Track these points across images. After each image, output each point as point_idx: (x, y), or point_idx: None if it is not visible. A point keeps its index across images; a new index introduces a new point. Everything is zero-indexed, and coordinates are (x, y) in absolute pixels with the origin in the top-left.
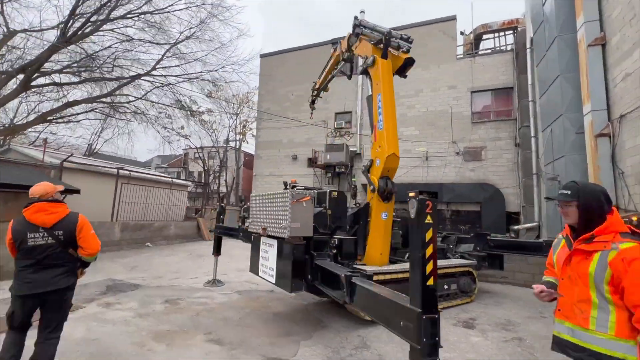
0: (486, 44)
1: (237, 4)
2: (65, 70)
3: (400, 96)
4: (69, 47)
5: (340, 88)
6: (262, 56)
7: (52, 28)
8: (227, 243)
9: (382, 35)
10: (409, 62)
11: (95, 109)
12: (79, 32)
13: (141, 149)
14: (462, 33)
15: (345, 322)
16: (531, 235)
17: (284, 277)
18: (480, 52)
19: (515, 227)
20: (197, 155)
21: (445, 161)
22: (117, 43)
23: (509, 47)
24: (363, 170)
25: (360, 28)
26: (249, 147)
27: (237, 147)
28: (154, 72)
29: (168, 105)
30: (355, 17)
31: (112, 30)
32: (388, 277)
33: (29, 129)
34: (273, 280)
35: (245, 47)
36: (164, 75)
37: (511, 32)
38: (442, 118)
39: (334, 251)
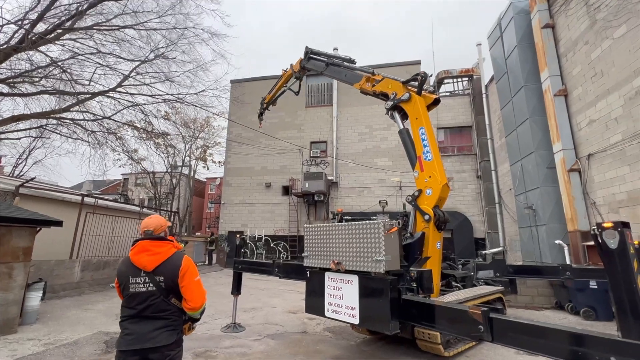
0: (447, 87)
1: (216, 27)
2: (9, 81)
3: (373, 129)
4: (18, 56)
5: (316, 118)
6: (233, 82)
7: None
8: (205, 280)
9: (327, 59)
10: (436, 102)
11: (47, 125)
12: (44, 37)
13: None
14: (430, 76)
15: None
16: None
17: (377, 317)
18: (441, 94)
19: (484, 251)
20: (139, 181)
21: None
22: (79, 55)
23: (466, 92)
24: (409, 201)
25: (308, 55)
26: (209, 173)
27: (192, 172)
28: (121, 90)
29: (125, 124)
30: (307, 47)
31: (75, 40)
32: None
33: None
34: (355, 320)
35: (229, 72)
36: (134, 94)
37: (467, 78)
38: None
39: (414, 284)
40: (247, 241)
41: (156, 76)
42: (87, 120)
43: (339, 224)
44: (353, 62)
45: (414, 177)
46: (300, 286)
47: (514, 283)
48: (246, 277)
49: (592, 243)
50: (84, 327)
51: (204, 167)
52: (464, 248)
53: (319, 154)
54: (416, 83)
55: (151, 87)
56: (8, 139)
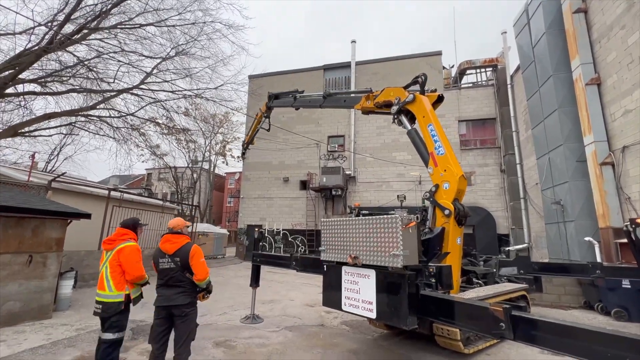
0: (469, 78)
1: (238, 21)
2: (41, 81)
3: (391, 122)
4: (48, 56)
5: (333, 112)
6: (251, 77)
7: (26, 31)
8: (225, 273)
9: (294, 94)
10: (440, 99)
11: (75, 122)
12: (71, 38)
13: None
14: (451, 66)
15: (438, 357)
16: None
17: (394, 311)
18: (464, 85)
19: (507, 248)
20: (162, 176)
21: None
22: (104, 54)
23: (490, 83)
24: (427, 197)
25: (272, 97)
26: (229, 168)
27: (212, 167)
28: (144, 87)
29: (147, 120)
30: (269, 92)
31: (101, 40)
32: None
33: None
34: (372, 315)
35: (247, 65)
36: (156, 91)
37: (491, 69)
38: None
39: (433, 280)
40: (266, 235)
41: (177, 72)
42: (113, 117)
43: (356, 218)
44: (301, 92)
45: (429, 174)
46: (318, 280)
47: (539, 281)
48: (265, 270)
49: (625, 240)
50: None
51: (223, 162)
52: (487, 244)
53: (336, 148)
54: (417, 86)
55: (172, 83)
56: (41, 136)
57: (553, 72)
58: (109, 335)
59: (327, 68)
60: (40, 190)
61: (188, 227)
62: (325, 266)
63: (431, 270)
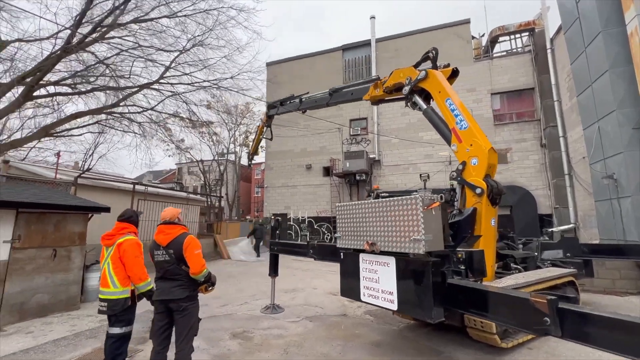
0: (502, 46)
1: (249, 4)
2: (64, 82)
3: (404, 105)
4: (69, 57)
5: None
6: (269, 64)
7: (50, 37)
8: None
9: (300, 97)
10: (454, 74)
11: (100, 120)
12: (87, 39)
13: (128, 166)
14: (482, 35)
15: (471, 350)
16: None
17: (417, 303)
18: (496, 55)
19: (550, 229)
20: (191, 169)
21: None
22: (123, 51)
23: (526, 49)
24: (454, 177)
25: (270, 107)
26: (255, 159)
27: (237, 159)
28: (162, 81)
29: (171, 115)
30: (267, 102)
31: (120, 37)
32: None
33: (27, 144)
34: (393, 306)
35: (261, 50)
36: (174, 84)
37: (527, 33)
38: None
39: (462, 267)
40: (292, 223)
41: (194, 64)
42: (133, 113)
43: (373, 200)
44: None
45: (453, 153)
46: None
47: (590, 265)
48: (289, 258)
49: None
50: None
51: (247, 153)
52: (526, 226)
53: (359, 132)
54: (429, 62)
55: (191, 76)
56: (72, 135)
57: (602, 28)
58: (116, 330)
59: (345, 48)
60: (67, 187)
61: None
62: (342, 254)
63: (460, 256)
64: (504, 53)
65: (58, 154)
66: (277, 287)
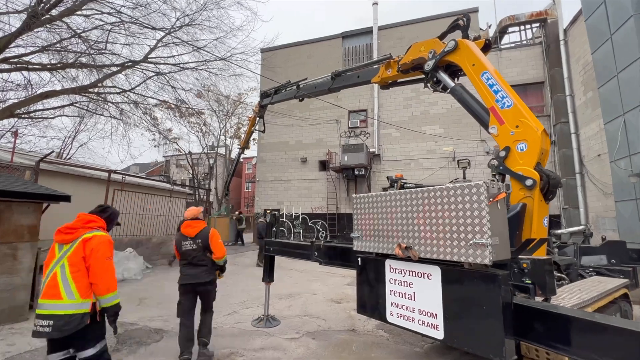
0: (511, 37)
1: None
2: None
3: (420, 92)
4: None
5: None
6: (263, 50)
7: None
8: (241, 261)
9: (297, 83)
10: (487, 46)
11: (76, 102)
12: (58, 5)
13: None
14: (489, 26)
15: None
16: (576, 241)
17: (479, 333)
18: (505, 46)
19: (558, 231)
20: (179, 162)
21: (475, 161)
22: (102, 25)
23: (536, 40)
24: (496, 165)
25: (264, 95)
26: (246, 153)
27: (228, 152)
28: (149, 61)
29: (160, 101)
30: (260, 90)
31: (100, 12)
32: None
33: None
34: (437, 334)
35: (257, 28)
36: (160, 64)
37: (538, 24)
38: (469, 115)
39: (528, 281)
40: (284, 219)
41: (182, 45)
42: (112, 94)
43: (408, 190)
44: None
45: (493, 137)
46: (344, 269)
47: (635, 273)
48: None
49: None
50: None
51: (238, 145)
52: None
53: (358, 124)
54: (454, 35)
55: (179, 58)
56: (44, 117)
57: (635, 12)
58: (88, 353)
59: (345, 36)
60: (26, 172)
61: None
62: (359, 259)
63: (525, 266)
64: (513, 45)
65: (15, 133)
66: (261, 292)
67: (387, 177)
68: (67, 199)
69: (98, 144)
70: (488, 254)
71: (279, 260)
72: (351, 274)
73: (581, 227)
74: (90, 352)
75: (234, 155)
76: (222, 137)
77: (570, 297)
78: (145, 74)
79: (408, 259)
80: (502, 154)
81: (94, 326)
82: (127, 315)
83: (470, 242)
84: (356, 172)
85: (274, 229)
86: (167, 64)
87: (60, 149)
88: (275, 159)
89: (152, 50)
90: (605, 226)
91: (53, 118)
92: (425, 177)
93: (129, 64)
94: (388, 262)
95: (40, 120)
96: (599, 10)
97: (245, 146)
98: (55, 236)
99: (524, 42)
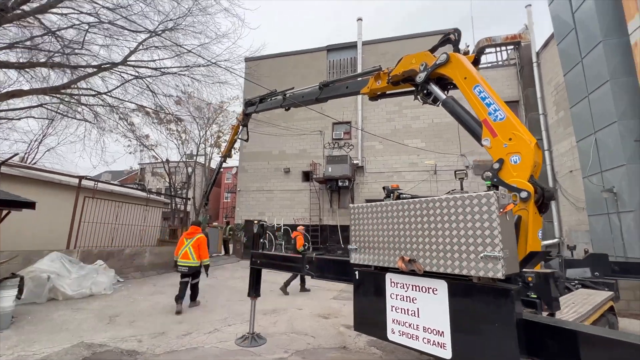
0: (488, 58)
1: None
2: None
3: (403, 107)
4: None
5: None
6: (248, 59)
7: None
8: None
9: (284, 93)
10: (476, 62)
11: (46, 104)
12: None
13: (85, 163)
14: (467, 46)
15: None
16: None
17: (491, 352)
18: (482, 66)
19: None
20: (155, 170)
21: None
22: (79, 25)
23: (511, 62)
24: (489, 177)
25: (248, 103)
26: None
27: (208, 161)
28: (128, 63)
29: (139, 106)
30: (244, 98)
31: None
32: None
33: None
34: (445, 354)
35: (243, 36)
36: (143, 67)
37: (513, 47)
38: (449, 130)
39: (534, 295)
40: (266, 231)
41: (165, 50)
42: (87, 95)
43: (412, 200)
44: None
45: (486, 149)
46: (329, 282)
47: (617, 286)
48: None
49: None
50: (66, 334)
51: (218, 154)
52: None
53: (342, 136)
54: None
55: (161, 62)
56: (7, 118)
57: (603, 38)
58: (195, 281)
59: (330, 49)
60: None
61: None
62: (357, 273)
63: (530, 279)
64: (489, 65)
65: None
66: (255, 310)
67: (384, 188)
68: (31, 205)
69: (67, 148)
70: (500, 267)
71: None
72: (337, 287)
73: (555, 240)
74: (196, 280)
75: (213, 164)
76: (202, 146)
77: (567, 310)
78: (124, 77)
79: (411, 273)
80: (496, 166)
81: (198, 272)
82: (95, 335)
83: (481, 254)
84: (340, 184)
85: (261, 240)
86: (148, 67)
87: (25, 153)
88: (257, 169)
89: (132, 52)
90: (578, 239)
91: (19, 119)
92: (408, 190)
93: (107, 65)
94: (389, 276)
95: (4, 121)
96: (570, 35)
97: (227, 154)
98: (185, 235)
99: (500, 62)
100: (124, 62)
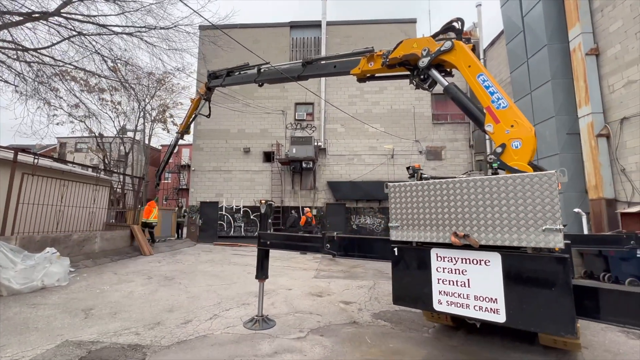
0: None
1: None
2: None
3: (365, 91)
4: None
5: None
6: (203, 28)
7: None
8: (185, 259)
9: (258, 67)
10: (472, 51)
11: None
12: None
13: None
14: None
15: (539, 357)
16: None
17: (548, 314)
18: None
19: None
20: (79, 146)
21: (410, 159)
22: None
23: None
24: (493, 160)
25: (213, 76)
26: (167, 138)
27: (148, 137)
28: (62, 15)
29: (71, 65)
30: (208, 70)
31: None
32: None
33: None
34: (499, 318)
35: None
36: (85, 22)
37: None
38: (406, 117)
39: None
40: (223, 212)
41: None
42: (9, 49)
43: (463, 179)
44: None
45: (489, 134)
46: (299, 261)
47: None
48: (227, 251)
49: (630, 210)
50: (40, 334)
51: (163, 129)
52: None
53: (304, 117)
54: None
55: (107, 19)
56: None
57: (548, 42)
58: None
59: (294, 26)
60: None
61: None
62: (395, 249)
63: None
64: None
65: None
66: (239, 290)
67: (407, 167)
68: None
69: None
70: (561, 238)
71: (226, 256)
72: (314, 267)
73: None
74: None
75: (156, 140)
76: (141, 120)
77: None
78: (58, 31)
79: (467, 247)
80: (499, 150)
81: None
82: (78, 332)
83: (542, 227)
84: (304, 165)
85: (269, 219)
86: (92, 22)
87: None
88: (214, 147)
89: (68, 2)
90: None
91: None
92: (366, 173)
93: (38, 14)
94: (434, 251)
95: None
96: (519, 37)
97: (184, 131)
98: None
99: None
100: (57, 12)
